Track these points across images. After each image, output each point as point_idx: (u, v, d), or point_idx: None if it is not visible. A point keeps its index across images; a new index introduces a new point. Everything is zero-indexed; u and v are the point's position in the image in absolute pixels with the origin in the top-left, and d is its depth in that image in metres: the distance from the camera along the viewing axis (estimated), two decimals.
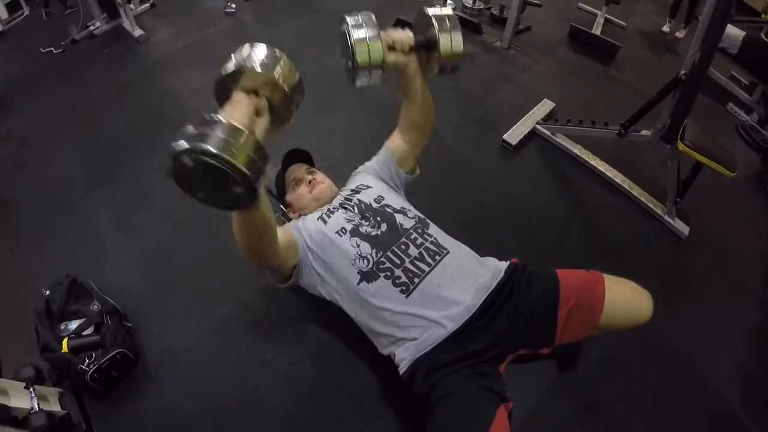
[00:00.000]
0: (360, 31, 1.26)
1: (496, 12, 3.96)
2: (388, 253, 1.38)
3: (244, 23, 3.91)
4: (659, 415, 1.69)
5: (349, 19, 1.28)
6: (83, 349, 1.61)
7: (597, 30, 3.92)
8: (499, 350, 1.32)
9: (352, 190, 1.62)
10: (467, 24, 3.85)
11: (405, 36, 1.35)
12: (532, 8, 3.57)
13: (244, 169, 0.87)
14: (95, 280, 1.86)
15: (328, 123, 2.82)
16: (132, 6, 3.75)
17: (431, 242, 1.43)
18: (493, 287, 1.36)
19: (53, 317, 1.69)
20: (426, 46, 1.34)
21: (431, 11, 1.32)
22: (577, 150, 2.69)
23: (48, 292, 1.74)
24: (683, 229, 2.33)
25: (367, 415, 1.63)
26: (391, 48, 1.33)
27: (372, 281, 1.35)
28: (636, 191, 2.48)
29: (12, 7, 4.04)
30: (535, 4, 3.51)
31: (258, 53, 1.07)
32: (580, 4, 4.39)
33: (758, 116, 3.18)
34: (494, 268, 1.44)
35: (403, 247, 1.39)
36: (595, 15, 4.15)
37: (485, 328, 1.31)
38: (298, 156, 1.90)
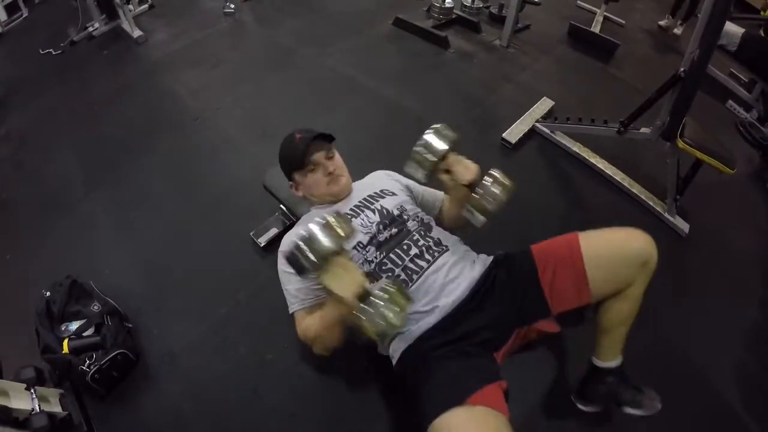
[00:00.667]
0: (433, 138, 1.35)
1: (495, 11, 3.98)
2: (391, 254, 1.37)
3: (243, 23, 3.91)
4: (659, 414, 1.69)
5: (440, 126, 1.39)
6: (84, 350, 1.61)
7: (596, 28, 3.93)
8: (490, 334, 1.31)
9: (375, 193, 1.56)
10: (466, 23, 3.85)
11: (465, 172, 1.37)
12: (531, 7, 3.58)
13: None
14: (95, 281, 1.86)
15: (328, 123, 2.81)
16: (131, 7, 3.77)
17: (433, 241, 1.42)
18: (479, 276, 1.38)
19: (54, 318, 1.69)
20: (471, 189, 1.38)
21: (495, 176, 1.38)
22: (577, 148, 2.68)
23: (48, 293, 1.74)
24: (683, 226, 2.33)
25: (367, 414, 1.63)
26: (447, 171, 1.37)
27: (373, 281, 1.34)
28: (636, 189, 2.48)
29: (11, 9, 4.05)
30: (533, 3, 3.52)
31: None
32: (579, 2, 4.40)
33: (758, 113, 3.19)
34: (483, 263, 1.45)
35: (404, 247, 1.39)
36: (594, 13, 4.16)
37: (473, 312, 1.31)
38: (324, 137, 1.58)
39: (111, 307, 1.77)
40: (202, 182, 2.45)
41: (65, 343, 1.61)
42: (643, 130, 2.31)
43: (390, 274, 1.35)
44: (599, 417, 1.65)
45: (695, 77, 1.99)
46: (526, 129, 2.79)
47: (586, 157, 2.63)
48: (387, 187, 1.59)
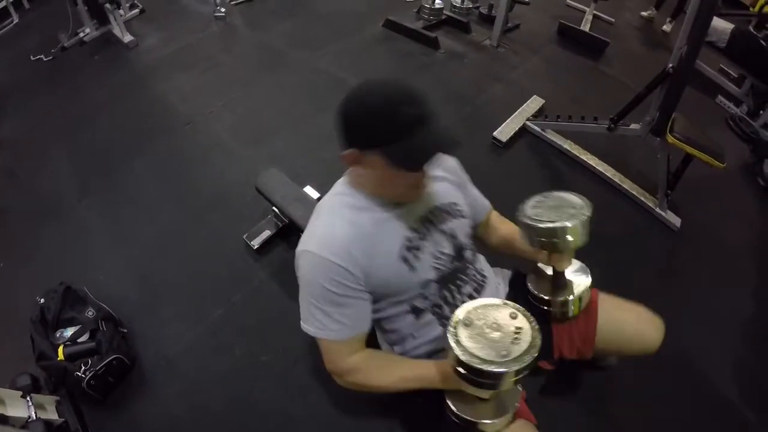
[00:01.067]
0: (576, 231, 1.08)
1: (484, 11, 3.99)
2: (445, 291, 1.15)
3: (233, 27, 3.91)
4: (656, 406, 1.70)
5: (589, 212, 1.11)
6: (79, 355, 1.61)
7: (586, 27, 3.96)
8: None
9: (448, 208, 1.20)
10: (456, 23, 3.87)
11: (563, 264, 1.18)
12: (520, 6, 3.61)
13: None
14: (89, 287, 1.85)
15: (322, 124, 2.82)
16: (121, 12, 3.76)
17: (480, 276, 1.25)
18: None
19: (48, 325, 1.69)
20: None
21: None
22: (568, 145, 2.70)
23: (42, 300, 1.73)
24: (675, 221, 2.36)
25: (365, 414, 1.63)
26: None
27: (420, 316, 1.15)
28: (627, 185, 2.50)
29: (1, 15, 4.04)
30: (523, 2, 3.55)
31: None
32: (568, 1, 4.43)
33: (747, 108, 3.22)
34: (504, 283, 1.36)
35: (459, 282, 1.18)
36: (584, 12, 4.19)
37: None
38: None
39: (105, 313, 1.77)
40: (195, 186, 2.45)
41: (60, 349, 1.61)
42: (633, 126, 2.34)
43: (438, 310, 1.15)
44: (596, 409, 1.67)
45: (684, 73, 2.01)
46: (516, 127, 2.81)
47: (577, 155, 2.65)
48: (458, 201, 1.24)
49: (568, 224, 1.05)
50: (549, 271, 1.21)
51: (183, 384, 1.72)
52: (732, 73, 3.56)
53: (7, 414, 1.39)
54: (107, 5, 3.43)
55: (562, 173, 2.62)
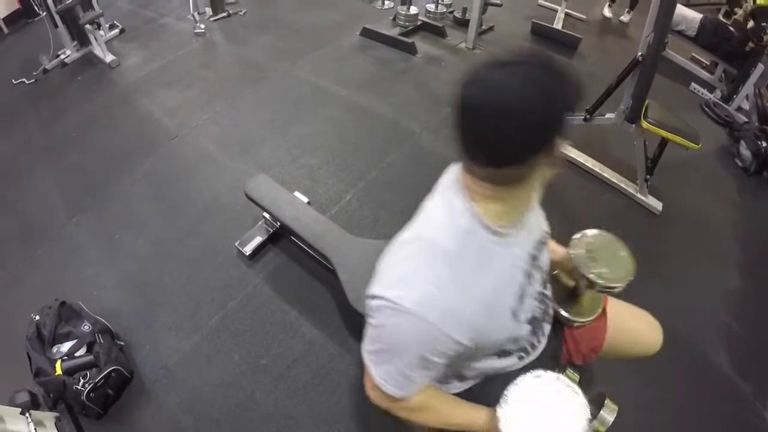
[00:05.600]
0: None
1: (458, 15, 4.07)
2: (531, 335, 1.02)
3: (213, 42, 3.95)
4: (653, 382, 1.74)
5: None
6: (77, 369, 1.61)
7: (558, 25, 4.06)
8: None
9: (544, 234, 1.03)
10: (431, 28, 3.94)
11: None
12: (493, 9, 3.68)
13: None
14: (84, 303, 1.86)
15: (302, 132, 2.86)
16: (102, 32, 3.78)
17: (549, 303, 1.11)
18: None
19: (44, 341, 1.69)
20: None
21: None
22: None
23: (38, 317, 1.73)
24: (656, 204, 2.42)
25: (365, 412, 1.65)
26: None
27: (503, 357, 1.00)
28: (607, 173, 2.56)
29: None
30: (495, 4, 3.62)
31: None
32: (540, 1, 4.52)
33: (721, 93, 3.32)
34: None
35: (545, 323, 1.08)
36: (555, 11, 4.28)
37: None
38: None
39: (102, 326, 1.78)
40: (185, 198, 2.47)
41: (58, 364, 1.61)
42: (609, 115, 2.41)
43: (522, 354, 1.03)
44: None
45: (653, 59, 2.09)
46: None
47: None
48: (545, 227, 1.05)
49: (622, 285, 1.06)
50: (570, 282, 1.21)
51: (183, 393, 1.73)
52: (704, 60, 3.67)
53: (7, 430, 1.39)
54: (87, 26, 3.45)
55: None
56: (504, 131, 0.70)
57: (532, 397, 0.91)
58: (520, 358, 1.02)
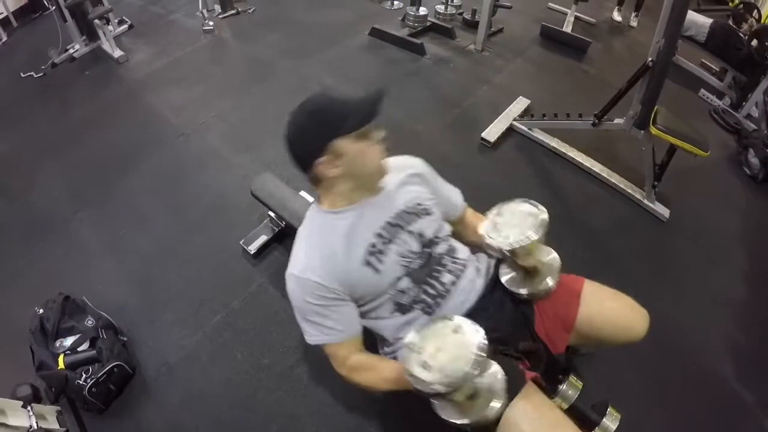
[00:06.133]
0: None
1: (468, 16, 4.05)
2: (425, 285, 1.23)
3: (221, 40, 3.96)
4: (655, 393, 1.73)
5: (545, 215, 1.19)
6: (80, 364, 1.61)
7: (567, 28, 4.03)
8: (496, 336, 1.29)
9: (413, 209, 1.28)
10: (441, 29, 3.93)
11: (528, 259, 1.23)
12: (503, 10, 3.67)
13: None
14: (88, 297, 1.87)
15: None
16: (111, 28, 3.79)
17: (459, 265, 1.30)
18: (483, 289, 1.33)
19: (48, 335, 1.69)
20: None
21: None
22: (555, 143, 2.75)
23: (41, 311, 1.74)
24: (663, 212, 2.40)
25: (367, 412, 1.64)
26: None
27: (406, 312, 1.24)
28: (614, 178, 2.54)
29: None
30: (505, 6, 3.61)
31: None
32: (550, 3, 4.51)
33: (730, 100, 3.30)
34: (486, 266, 1.40)
35: (436, 275, 1.25)
36: (565, 14, 4.26)
37: (479, 318, 1.25)
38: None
39: (105, 321, 1.78)
40: (191, 195, 2.47)
41: (60, 358, 1.61)
42: (617, 120, 2.39)
43: (423, 304, 1.23)
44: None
45: (663, 65, 2.06)
46: (504, 128, 2.85)
47: (565, 152, 2.70)
48: (424, 201, 1.32)
49: (534, 237, 1.15)
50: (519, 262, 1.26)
51: (185, 390, 1.73)
52: (713, 66, 3.65)
53: (8, 423, 1.39)
54: (96, 21, 3.47)
55: (550, 170, 2.67)
56: (292, 154, 1.18)
57: (432, 335, 1.00)
58: (425, 311, 1.23)
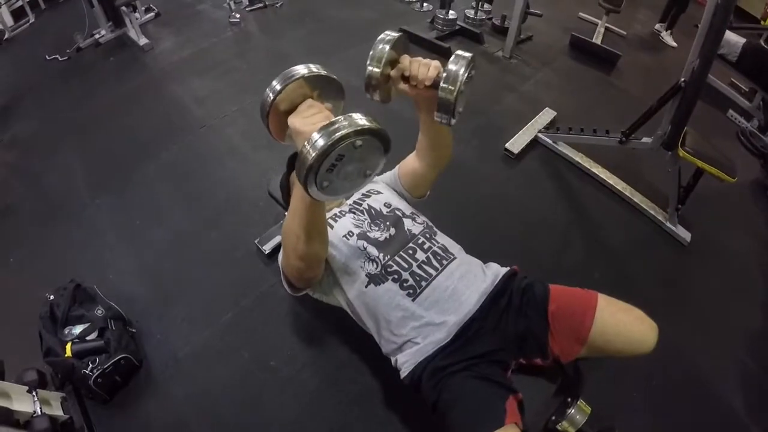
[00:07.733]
0: (378, 47, 1.15)
1: (497, 22, 4.01)
2: (396, 257, 1.35)
3: (247, 33, 3.95)
4: (665, 418, 1.69)
5: (383, 35, 1.17)
6: (87, 353, 1.61)
7: (597, 39, 3.97)
8: (499, 356, 1.31)
9: (362, 194, 1.55)
10: (469, 34, 3.89)
11: (424, 71, 1.20)
12: (533, 18, 3.62)
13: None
14: (99, 286, 1.86)
15: None
16: (137, 15, 3.80)
17: (439, 247, 1.41)
18: (489, 292, 1.36)
19: (57, 322, 1.69)
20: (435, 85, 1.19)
21: (456, 54, 1.17)
22: (579, 158, 2.70)
23: (52, 297, 1.73)
24: (685, 235, 2.34)
25: (371, 420, 1.63)
26: (405, 79, 1.23)
27: (380, 284, 1.33)
28: (637, 198, 2.49)
29: (18, 14, 4.10)
30: (536, 14, 3.56)
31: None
32: (580, 13, 4.45)
33: (758, 122, 3.22)
34: (494, 274, 1.43)
35: (410, 251, 1.37)
36: (596, 24, 4.20)
37: (483, 333, 1.30)
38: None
39: (115, 312, 1.77)
40: (208, 189, 2.46)
41: (68, 346, 1.61)
42: (645, 139, 2.33)
43: (397, 276, 1.33)
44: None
45: (695, 87, 2.01)
46: (528, 139, 2.81)
47: (588, 167, 2.65)
48: (372, 187, 1.59)
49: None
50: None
51: (190, 386, 1.72)
52: (743, 87, 3.57)
53: (12, 408, 1.39)
54: (123, 8, 3.48)
55: (573, 185, 2.62)
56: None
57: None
58: (401, 282, 1.32)
